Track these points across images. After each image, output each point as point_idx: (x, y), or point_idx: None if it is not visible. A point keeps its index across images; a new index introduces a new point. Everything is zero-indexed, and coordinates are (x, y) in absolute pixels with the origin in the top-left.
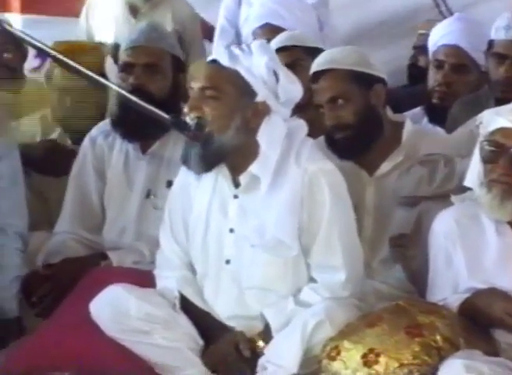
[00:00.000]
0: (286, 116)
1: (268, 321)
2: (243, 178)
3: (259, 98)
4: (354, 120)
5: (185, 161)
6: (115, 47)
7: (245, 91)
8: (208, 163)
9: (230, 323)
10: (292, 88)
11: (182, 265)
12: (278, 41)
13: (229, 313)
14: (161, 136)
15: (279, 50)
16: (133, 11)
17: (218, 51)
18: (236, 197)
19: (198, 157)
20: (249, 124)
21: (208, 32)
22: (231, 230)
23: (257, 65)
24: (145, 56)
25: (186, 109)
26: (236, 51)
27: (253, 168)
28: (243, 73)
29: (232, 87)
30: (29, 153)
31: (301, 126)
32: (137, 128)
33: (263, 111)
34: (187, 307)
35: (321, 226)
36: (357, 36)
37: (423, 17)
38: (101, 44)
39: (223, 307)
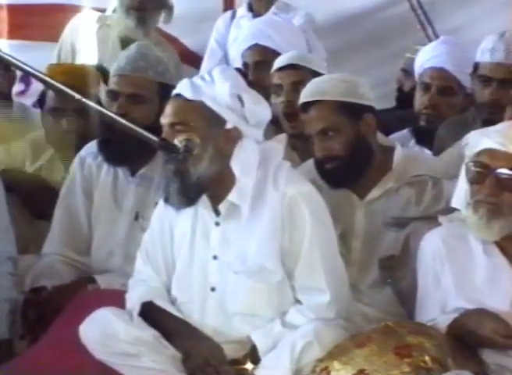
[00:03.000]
0: (259, 138)
1: (256, 343)
2: (222, 207)
3: (229, 125)
4: (344, 151)
5: (166, 198)
6: (102, 70)
7: (213, 120)
8: (189, 198)
9: (219, 343)
10: (258, 109)
11: (156, 285)
12: (286, 57)
13: (216, 338)
14: (148, 159)
15: (285, 67)
16: (125, 43)
17: (181, 85)
18: (217, 224)
19: (178, 193)
20: (222, 152)
21: (190, 58)
22: (214, 257)
23: (220, 93)
24: (130, 86)
25: None
26: (198, 81)
27: (231, 196)
28: (208, 103)
29: (199, 119)
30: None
31: (277, 149)
32: (123, 151)
33: (234, 137)
34: (154, 315)
35: (303, 249)
36: (341, 58)
37: (409, 40)
38: (99, 68)
39: (210, 333)
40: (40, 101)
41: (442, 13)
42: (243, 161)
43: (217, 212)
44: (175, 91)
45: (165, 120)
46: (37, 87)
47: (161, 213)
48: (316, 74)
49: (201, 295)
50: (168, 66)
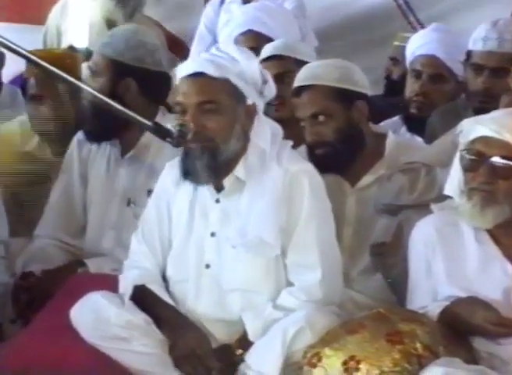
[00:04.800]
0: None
1: (246, 325)
2: (227, 181)
3: (249, 101)
4: (335, 137)
5: (189, 174)
6: (89, 53)
7: (238, 97)
8: (218, 174)
9: (211, 328)
10: (273, 85)
11: (151, 268)
12: (271, 48)
13: (210, 317)
14: (136, 141)
15: (271, 58)
16: (110, 25)
17: (200, 64)
18: (217, 201)
19: (208, 170)
20: (245, 128)
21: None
22: (212, 234)
23: (247, 70)
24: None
25: (190, 126)
26: (220, 59)
27: (238, 172)
28: (233, 80)
29: (227, 97)
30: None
31: (278, 128)
32: (110, 131)
33: (253, 112)
34: (146, 300)
35: (299, 225)
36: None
37: (391, 28)
38: (72, 49)
39: (204, 311)
40: (23, 89)
41: (424, 1)
42: (264, 133)
43: (218, 189)
44: (189, 69)
45: (190, 100)
46: None
47: (159, 193)
48: (303, 64)
49: (196, 273)
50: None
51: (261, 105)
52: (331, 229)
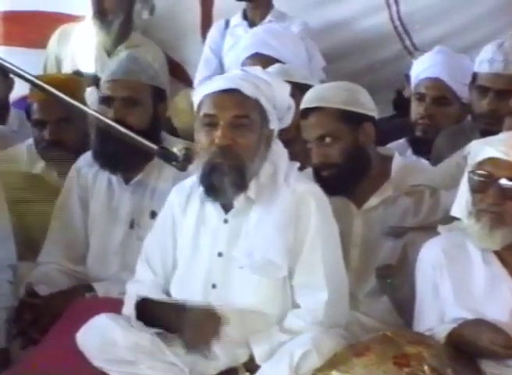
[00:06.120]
0: None
1: (253, 348)
2: (237, 201)
3: (271, 125)
4: (341, 159)
5: (213, 190)
6: (96, 78)
7: (263, 119)
8: (239, 191)
9: (217, 350)
10: (293, 113)
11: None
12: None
13: (216, 341)
14: (143, 166)
15: None
16: (107, 50)
17: (235, 81)
18: (226, 222)
19: (235, 187)
20: (265, 151)
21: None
22: (219, 254)
23: (279, 94)
24: (124, 90)
25: (217, 140)
26: (255, 80)
27: (249, 191)
28: (263, 102)
29: (258, 116)
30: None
31: (284, 149)
32: (118, 158)
33: (272, 137)
34: (148, 309)
35: (305, 245)
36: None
37: (387, 51)
38: (78, 74)
39: None
40: (27, 113)
41: (420, 25)
42: (282, 158)
43: (226, 209)
44: (222, 85)
45: (223, 112)
46: None
47: (165, 216)
48: (303, 86)
49: (202, 293)
50: (158, 70)
51: (276, 131)
52: (337, 250)
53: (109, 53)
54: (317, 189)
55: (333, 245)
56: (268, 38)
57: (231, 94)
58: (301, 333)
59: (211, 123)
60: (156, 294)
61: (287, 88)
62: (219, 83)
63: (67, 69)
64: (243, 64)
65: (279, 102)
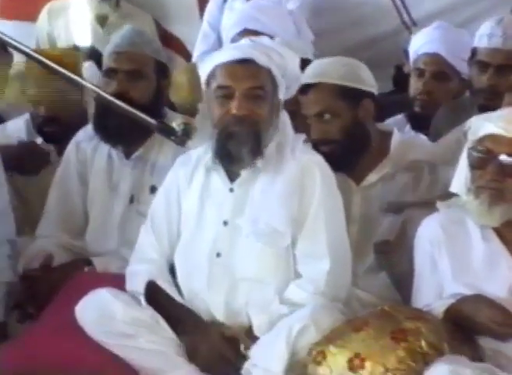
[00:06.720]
0: None
1: (252, 319)
2: (243, 171)
3: (280, 95)
4: (340, 136)
5: (228, 158)
6: (95, 51)
7: (275, 89)
8: (256, 158)
9: (221, 317)
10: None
11: (158, 259)
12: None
13: (219, 307)
14: (144, 141)
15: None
16: (100, 20)
17: (248, 51)
18: (231, 190)
19: (252, 154)
20: (276, 120)
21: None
22: (225, 223)
23: (291, 64)
24: (129, 62)
25: (234, 111)
26: (266, 49)
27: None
28: (274, 71)
29: (270, 85)
30: (5, 153)
31: (289, 120)
32: (119, 132)
33: (280, 106)
34: (158, 298)
35: (309, 214)
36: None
37: (384, 27)
38: (75, 49)
39: (214, 300)
40: None
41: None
42: (288, 129)
43: (231, 178)
44: (235, 54)
45: (239, 84)
46: None
47: (169, 186)
48: (302, 61)
49: (207, 261)
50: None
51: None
52: (341, 221)
53: (102, 24)
54: (322, 160)
55: (337, 216)
56: (255, 13)
57: (245, 65)
58: (301, 305)
59: (226, 94)
60: (166, 282)
61: (296, 58)
62: (232, 53)
63: (62, 44)
64: (233, 41)
65: (288, 72)
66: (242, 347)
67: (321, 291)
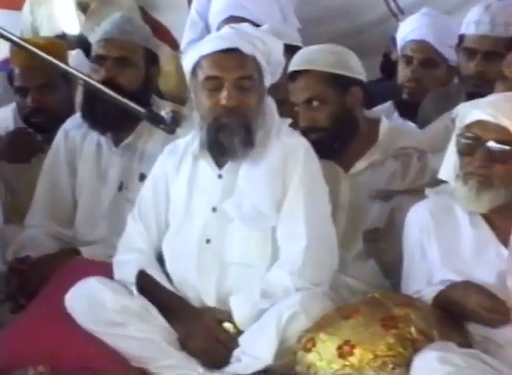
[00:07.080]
0: None
1: (232, 310)
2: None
3: (265, 82)
4: (329, 123)
5: (219, 149)
6: (82, 39)
7: (260, 76)
8: (248, 148)
9: (210, 304)
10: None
11: (146, 248)
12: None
13: (209, 293)
14: (133, 128)
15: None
16: (82, 7)
17: (233, 40)
18: (220, 177)
19: (244, 144)
20: (263, 107)
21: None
22: (213, 210)
23: (275, 50)
24: (117, 49)
25: (224, 101)
26: (250, 37)
27: None
28: (259, 59)
29: (257, 74)
30: None
31: (274, 105)
32: (107, 118)
33: (266, 92)
34: (149, 288)
35: (288, 194)
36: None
37: (371, 15)
38: (61, 37)
39: (204, 287)
40: (9, 79)
41: None
42: (273, 114)
43: (219, 165)
44: (220, 44)
45: (227, 74)
46: None
47: (157, 174)
48: (290, 47)
49: (197, 248)
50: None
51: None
52: (323, 204)
53: (84, 11)
54: (308, 145)
55: (318, 198)
56: (242, 0)
57: (232, 55)
58: (282, 298)
59: (215, 84)
60: (155, 270)
61: (280, 44)
62: (218, 43)
63: (45, 33)
64: (219, 28)
65: (272, 58)
66: (225, 324)
67: (297, 270)
